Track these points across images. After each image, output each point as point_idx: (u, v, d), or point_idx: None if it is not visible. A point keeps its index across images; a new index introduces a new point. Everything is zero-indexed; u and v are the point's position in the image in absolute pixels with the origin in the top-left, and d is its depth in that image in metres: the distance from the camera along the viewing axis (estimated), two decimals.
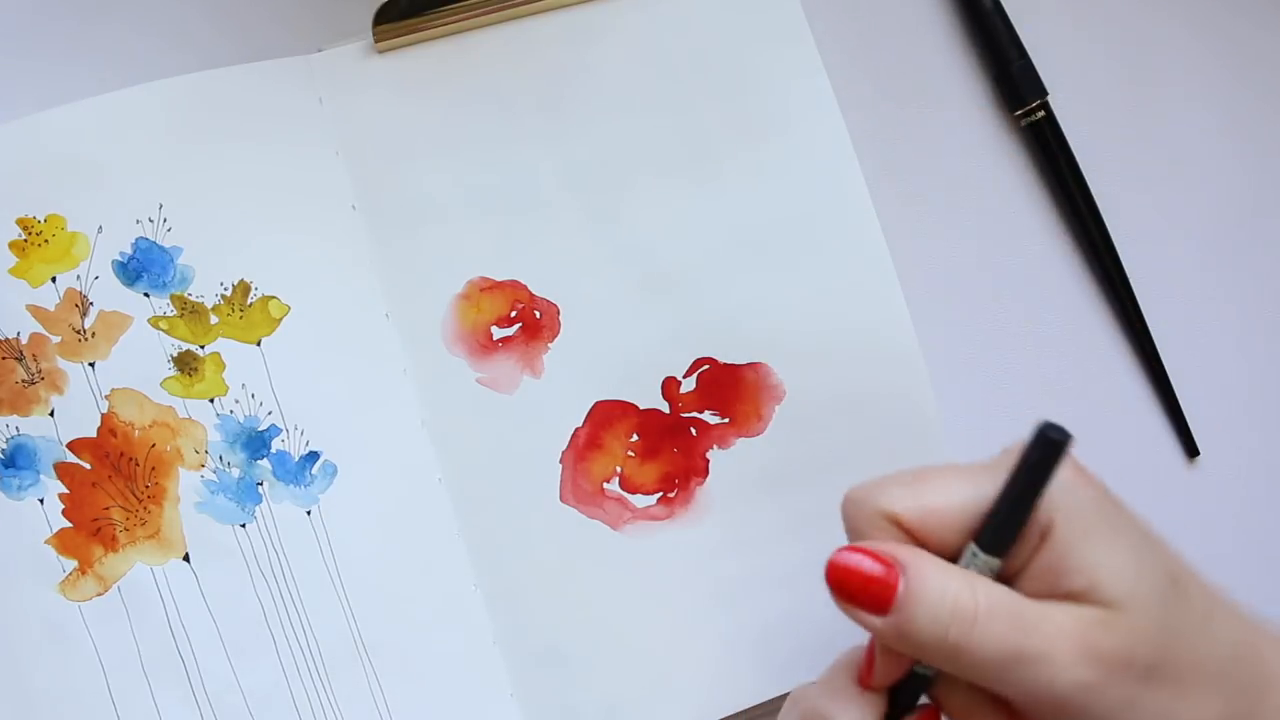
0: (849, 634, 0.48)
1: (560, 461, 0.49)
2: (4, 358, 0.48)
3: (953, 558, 0.37)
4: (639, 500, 0.49)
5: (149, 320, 0.48)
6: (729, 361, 0.50)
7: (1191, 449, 0.52)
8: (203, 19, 0.51)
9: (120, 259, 0.48)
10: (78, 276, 0.48)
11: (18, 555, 0.47)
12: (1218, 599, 0.38)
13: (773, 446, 0.49)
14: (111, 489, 0.48)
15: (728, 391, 0.49)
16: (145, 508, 0.48)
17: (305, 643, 0.48)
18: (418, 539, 0.48)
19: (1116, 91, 0.53)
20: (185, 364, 0.48)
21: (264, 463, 0.48)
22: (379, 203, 0.49)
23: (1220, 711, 0.37)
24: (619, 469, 0.49)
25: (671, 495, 0.49)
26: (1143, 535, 0.37)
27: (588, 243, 0.50)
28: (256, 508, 0.48)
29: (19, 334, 0.48)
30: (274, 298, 0.49)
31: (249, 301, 0.48)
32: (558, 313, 0.50)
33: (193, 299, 0.48)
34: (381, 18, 0.49)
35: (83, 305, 0.48)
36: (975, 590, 0.36)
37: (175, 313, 0.48)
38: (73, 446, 0.48)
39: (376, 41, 0.49)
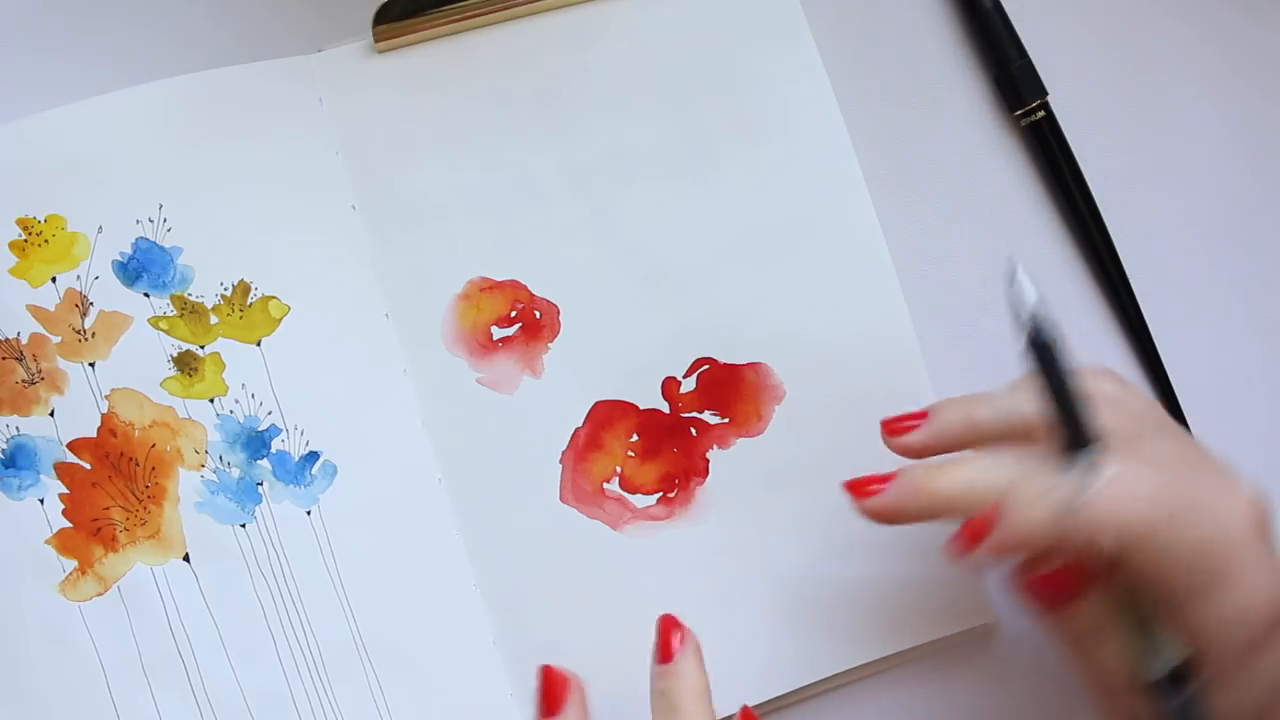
0: (847, 632, 0.48)
1: (560, 461, 0.49)
2: (4, 358, 0.48)
3: None
4: (639, 500, 0.49)
5: (149, 320, 0.48)
6: (729, 361, 0.50)
7: None
8: (203, 19, 0.51)
9: (120, 259, 0.48)
10: (78, 276, 0.48)
11: (18, 555, 0.47)
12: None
13: (773, 446, 0.49)
14: (111, 489, 0.48)
15: (728, 391, 0.49)
16: (145, 508, 0.48)
17: (305, 643, 0.48)
18: (418, 539, 0.48)
19: (1116, 92, 0.53)
20: (185, 364, 0.48)
21: (264, 463, 0.48)
22: (379, 202, 0.49)
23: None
24: (619, 469, 0.49)
25: (671, 495, 0.49)
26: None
27: (588, 242, 0.50)
28: (256, 508, 0.48)
29: (19, 334, 0.48)
30: (274, 298, 0.49)
31: (249, 301, 0.48)
32: (558, 313, 0.50)
33: (193, 299, 0.48)
34: (381, 18, 0.49)
35: (83, 305, 0.48)
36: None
37: (175, 313, 0.48)
38: (73, 446, 0.48)
39: (376, 41, 0.49)
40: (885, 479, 0.43)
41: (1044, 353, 0.40)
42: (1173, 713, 0.40)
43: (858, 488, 0.43)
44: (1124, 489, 0.39)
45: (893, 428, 0.44)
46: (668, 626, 0.45)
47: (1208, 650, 0.39)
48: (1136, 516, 0.38)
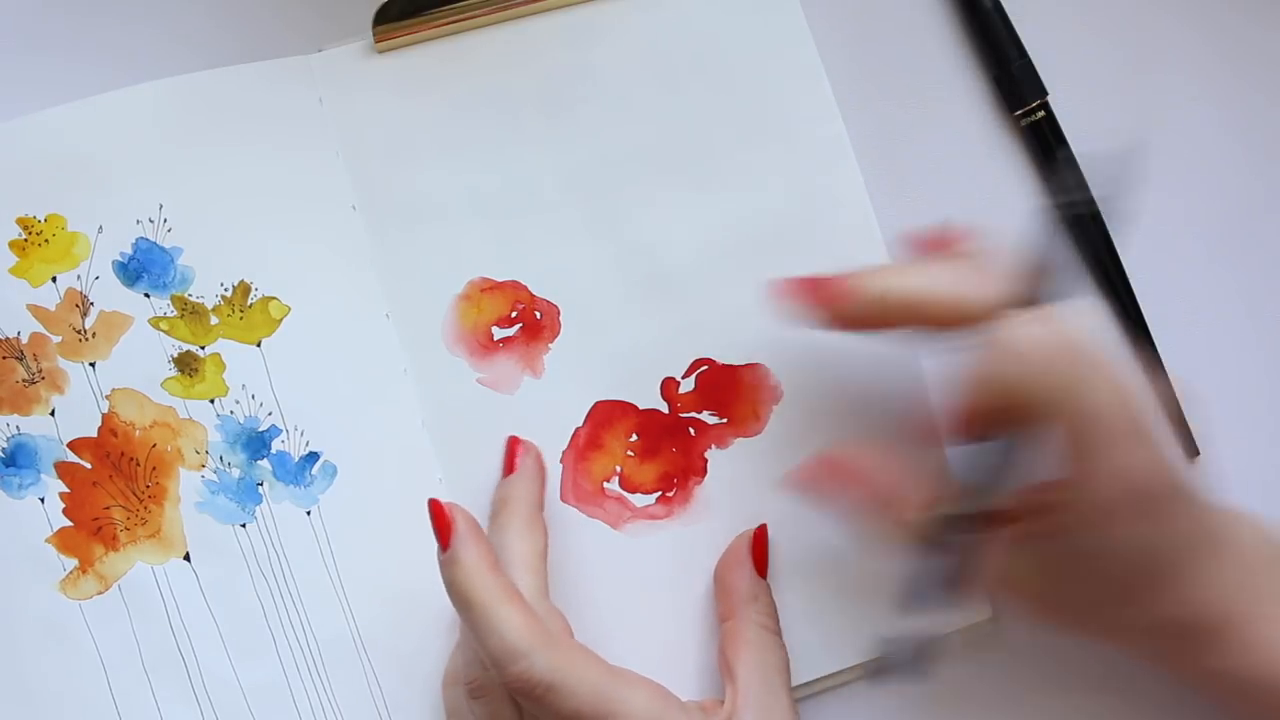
0: (844, 630, 0.48)
1: (561, 461, 0.49)
2: (4, 357, 0.48)
3: None
4: (639, 499, 0.49)
5: (149, 320, 0.48)
6: (727, 362, 0.50)
7: (1192, 449, 0.52)
8: (203, 18, 0.51)
9: (120, 259, 0.48)
10: (78, 276, 0.48)
11: (18, 554, 0.48)
12: None
13: (770, 446, 0.49)
14: (112, 488, 0.48)
15: (726, 392, 0.50)
16: (146, 507, 0.48)
17: (305, 642, 0.48)
18: (417, 539, 0.48)
19: (1116, 92, 0.53)
20: (185, 364, 0.48)
21: (264, 463, 0.48)
22: (379, 203, 0.49)
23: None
24: (619, 468, 0.49)
25: (670, 495, 0.49)
26: None
27: (588, 243, 0.50)
28: (257, 508, 0.48)
29: (19, 333, 0.48)
30: (274, 298, 0.49)
31: (249, 302, 0.49)
32: (558, 313, 0.50)
33: (193, 299, 0.48)
34: (381, 18, 0.49)
35: (83, 305, 0.48)
36: None
37: (175, 313, 0.48)
38: (73, 446, 0.48)
39: (376, 41, 0.49)
40: (833, 279, 0.44)
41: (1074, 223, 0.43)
42: (940, 544, 0.43)
43: (810, 288, 0.45)
44: (1042, 333, 0.41)
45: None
46: (513, 444, 0.48)
47: (1078, 501, 0.41)
48: (1045, 359, 0.41)
